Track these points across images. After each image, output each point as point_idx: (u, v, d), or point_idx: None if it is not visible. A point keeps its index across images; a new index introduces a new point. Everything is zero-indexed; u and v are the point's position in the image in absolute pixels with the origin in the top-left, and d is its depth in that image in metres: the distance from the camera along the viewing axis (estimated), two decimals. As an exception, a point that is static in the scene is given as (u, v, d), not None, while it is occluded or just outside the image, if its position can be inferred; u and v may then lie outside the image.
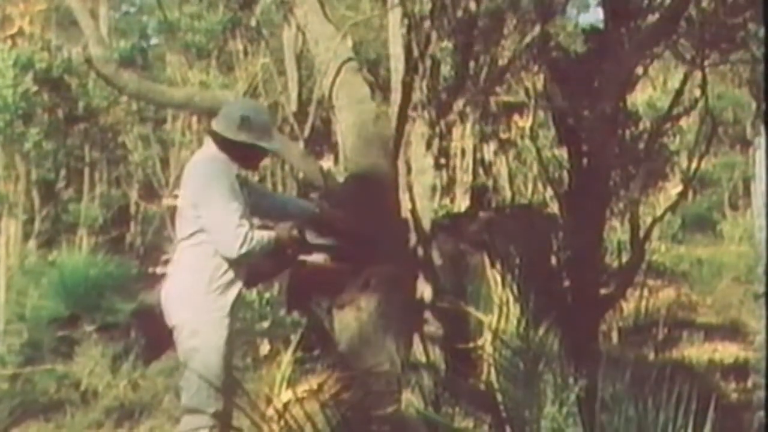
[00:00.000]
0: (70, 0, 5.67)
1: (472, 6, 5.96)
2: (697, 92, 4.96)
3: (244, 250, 4.39)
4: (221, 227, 4.39)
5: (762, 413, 5.66)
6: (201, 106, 5.81)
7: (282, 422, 3.59)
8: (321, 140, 10.90)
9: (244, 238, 4.38)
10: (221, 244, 4.40)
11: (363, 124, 5.29)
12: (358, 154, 5.27)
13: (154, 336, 6.62)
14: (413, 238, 5.63)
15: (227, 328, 4.46)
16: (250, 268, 4.63)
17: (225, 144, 4.53)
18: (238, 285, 4.52)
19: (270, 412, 3.64)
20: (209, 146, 4.61)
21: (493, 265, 6.19)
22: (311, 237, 4.75)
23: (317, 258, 4.80)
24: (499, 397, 4.28)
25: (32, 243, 10.44)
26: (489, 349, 5.38)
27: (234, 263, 4.45)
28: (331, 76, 5.37)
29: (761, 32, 4.60)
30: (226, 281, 4.47)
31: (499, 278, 6.12)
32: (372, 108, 5.42)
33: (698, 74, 4.86)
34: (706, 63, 4.77)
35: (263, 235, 4.50)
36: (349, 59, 5.40)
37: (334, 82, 5.35)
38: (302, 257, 4.73)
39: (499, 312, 6.01)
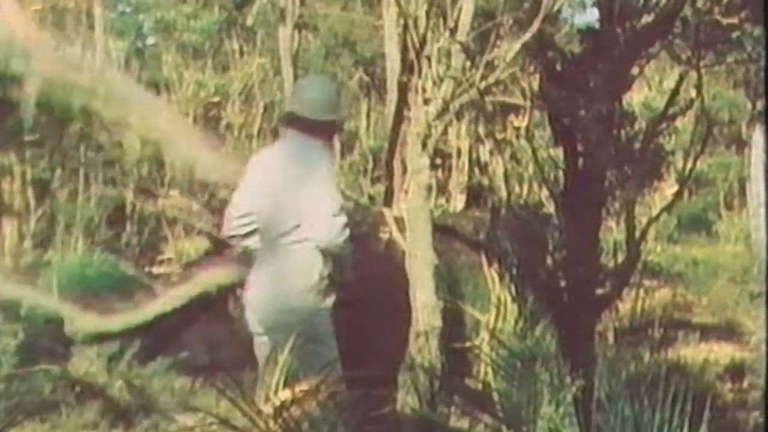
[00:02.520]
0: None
1: (469, 6, 5.96)
2: (693, 92, 4.95)
3: (340, 240, 4.21)
4: (320, 213, 4.21)
5: (757, 413, 5.68)
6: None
7: (280, 420, 3.60)
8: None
9: (342, 228, 4.21)
10: (317, 231, 4.22)
11: None
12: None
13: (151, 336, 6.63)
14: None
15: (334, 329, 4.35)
16: None
17: (313, 127, 4.40)
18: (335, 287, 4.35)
19: (268, 410, 3.64)
20: (295, 136, 4.41)
21: (490, 264, 6.20)
22: None
23: None
24: (496, 397, 4.28)
25: (27, 243, 10.43)
26: (486, 348, 5.39)
27: (328, 259, 4.24)
28: None
29: (757, 32, 4.61)
30: (328, 282, 4.32)
31: (496, 277, 6.13)
32: None
33: (694, 74, 4.87)
34: (701, 63, 4.78)
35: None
36: None
37: None
38: None
39: (497, 311, 6.02)
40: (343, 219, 4.26)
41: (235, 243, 4.61)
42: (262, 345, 4.52)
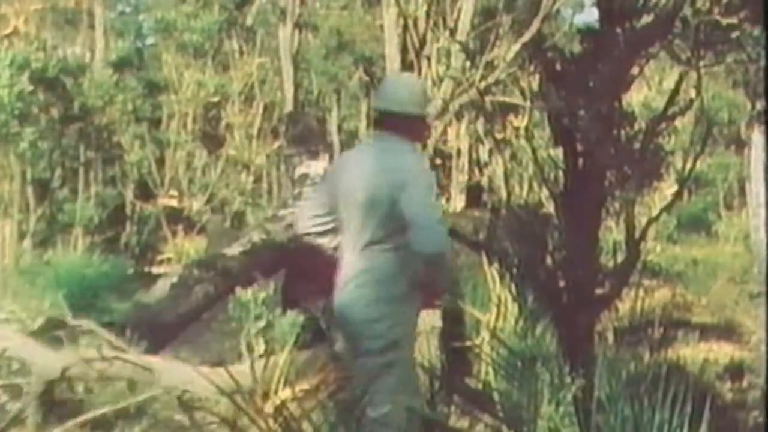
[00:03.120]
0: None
1: (469, 6, 5.98)
2: (693, 93, 4.95)
3: (446, 249, 4.14)
4: (425, 222, 4.07)
5: (757, 413, 5.68)
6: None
7: (281, 419, 3.60)
8: (316, 140, 10.92)
9: (447, 236, 4.14)
10: (422, 240, 4.05)
11: None
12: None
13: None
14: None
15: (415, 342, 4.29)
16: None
17: (404, 124, 4.28)
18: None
19: (268, 409, 3.64)
20: (383, 137, 4.33)
21: (490, 264, 6.21)
22: None
23: None
24: (496, 397, 4.29)
25: (27, 242, 10.44)
26: (486, 348, 5.39)
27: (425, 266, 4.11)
28: None
29: (757, 32, 4.61)
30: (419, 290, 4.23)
31: (497, 277, 6.14)
32: None
33: (693, 75, 4.87)
34: (701, 63, 4.78)
35: None
36: None
37: None
38: None
39: (497, 311, 6.03)
40: (446, 227, 4.21)
41: (310, 240, 4.55)
42: (345, 353, 4.42)
